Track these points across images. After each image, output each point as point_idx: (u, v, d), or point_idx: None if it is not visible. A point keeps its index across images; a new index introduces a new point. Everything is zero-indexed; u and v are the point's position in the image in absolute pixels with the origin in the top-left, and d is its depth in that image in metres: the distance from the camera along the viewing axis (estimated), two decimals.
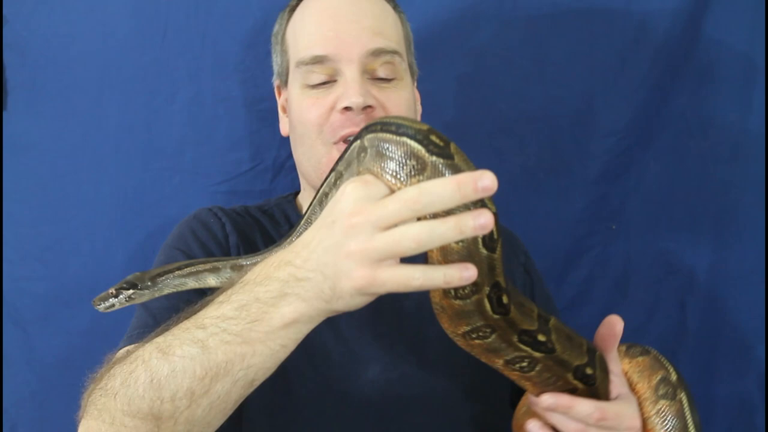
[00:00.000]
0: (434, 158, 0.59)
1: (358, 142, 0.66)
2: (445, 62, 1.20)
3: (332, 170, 0.73)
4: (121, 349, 0.81)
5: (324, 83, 0.92)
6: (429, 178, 0.59)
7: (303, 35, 0.95)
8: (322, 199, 0.76)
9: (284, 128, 1.03)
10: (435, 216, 0.57)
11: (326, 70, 0.91)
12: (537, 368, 0.68)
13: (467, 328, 0.65)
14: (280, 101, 1.04)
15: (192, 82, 1.19)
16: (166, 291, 0.81)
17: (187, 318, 0.68)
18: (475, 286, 0.61)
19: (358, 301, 0.63)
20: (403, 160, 0.60)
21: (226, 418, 0.67)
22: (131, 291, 0.78)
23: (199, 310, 0.68)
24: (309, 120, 0.92)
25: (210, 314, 0.66)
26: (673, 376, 0.82)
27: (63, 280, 1.17)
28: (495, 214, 0.57)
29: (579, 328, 0.72)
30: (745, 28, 1.17)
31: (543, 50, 1.20)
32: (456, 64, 1.20)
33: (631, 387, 0.82)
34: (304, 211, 0.82)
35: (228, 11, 1.18)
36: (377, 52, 0.91)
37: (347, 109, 0.89)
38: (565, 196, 1.22)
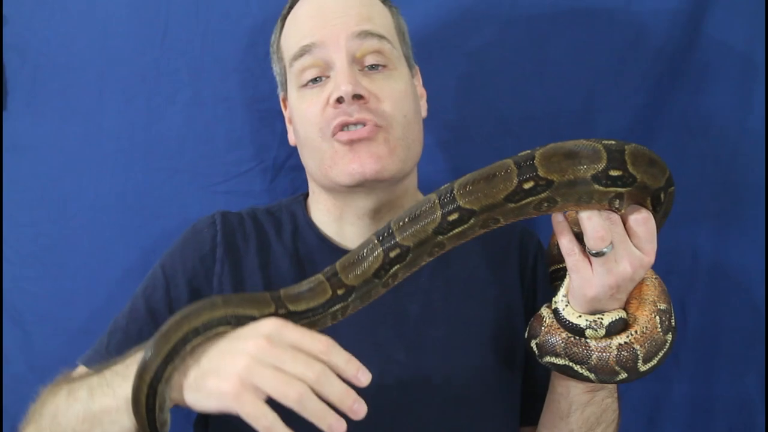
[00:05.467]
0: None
1: None
2: (445, 62, 1.20)
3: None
4: (78, 368, 0.90)
5: (317, 81, 0.93)
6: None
7: (293, 34, 0.96)
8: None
9: (291, 138, 1.04)
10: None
11: (316, 61, 0.92)
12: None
13: None
14: (286, 114, 1.05)
15: (192, 82, 1.19)
16: None
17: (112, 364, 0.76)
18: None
19: (209, 405, 0.66)
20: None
21: None
22: None
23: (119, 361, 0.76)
24: (308, 121, 0.93)
25: (112, 366, 0.74)
26: (673, 321, 0.84)
27: (63, 280, 1.17)
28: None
29: None
30: (745, 28, 1.17)
31: (543, 50, 1.20)
32: (456, 64, 1.20)
33: (643, 286, 0.84)
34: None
35: (228, 11, 1.18)
36: (363, 35, 0.92)
37: (339, 101, 0.89)
38: None
